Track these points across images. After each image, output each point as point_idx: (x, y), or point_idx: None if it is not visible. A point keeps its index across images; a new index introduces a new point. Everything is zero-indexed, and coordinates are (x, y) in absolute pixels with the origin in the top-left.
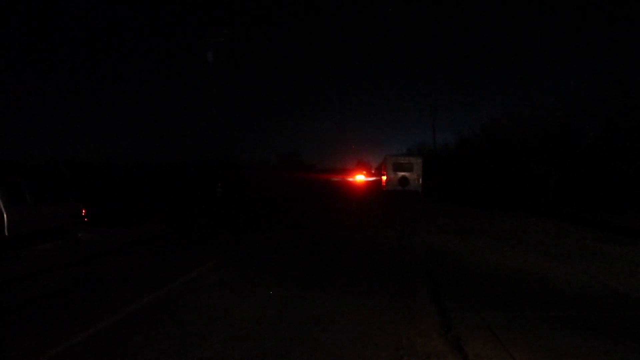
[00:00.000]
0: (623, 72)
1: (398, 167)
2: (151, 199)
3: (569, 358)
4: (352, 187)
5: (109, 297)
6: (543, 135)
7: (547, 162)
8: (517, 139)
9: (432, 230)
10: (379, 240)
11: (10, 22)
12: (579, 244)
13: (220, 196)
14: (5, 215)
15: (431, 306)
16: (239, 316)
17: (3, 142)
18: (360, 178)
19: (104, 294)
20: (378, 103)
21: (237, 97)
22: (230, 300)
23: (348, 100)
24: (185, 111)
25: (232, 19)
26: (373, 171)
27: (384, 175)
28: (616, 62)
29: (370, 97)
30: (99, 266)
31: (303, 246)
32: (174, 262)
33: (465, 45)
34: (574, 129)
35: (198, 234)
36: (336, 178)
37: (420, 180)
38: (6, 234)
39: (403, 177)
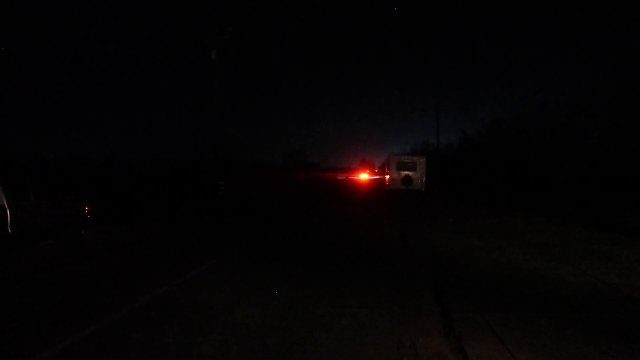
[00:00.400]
0: (627, 71)
1: (401, 166)
2: (154, 197)
3: (572, 359)
4: (356, 185)
5: (111, 295)
6: (547, 135)
7: (550, 162)
8: (520, 139)
9: (435, 229)
10: (381, 240)
11: (14, 19)
12: (582, 244)
13: (223, 194)
14: (8, 213)
15: (433, 306)
16: (241, 315)
17: (6, 139)
18: (364, 176)
19: (106, 292)
20: (382, 102)
21: (242, 97)
22: (231, 299)
23: (352, 100)
24: (190, 110)
25: (235, 18)
26: (376, 170)
27: (387, 174)
28: (621, 60)
29: (374, 96)
30: (101, 264)
31: (305, 245)
32: (176, 261)
33: (470, 45)
34: (577, 129)
35: (200, 233)
36: (340, 176)
37: (424, 179)
38: (9, 231)
39: (406, 176)
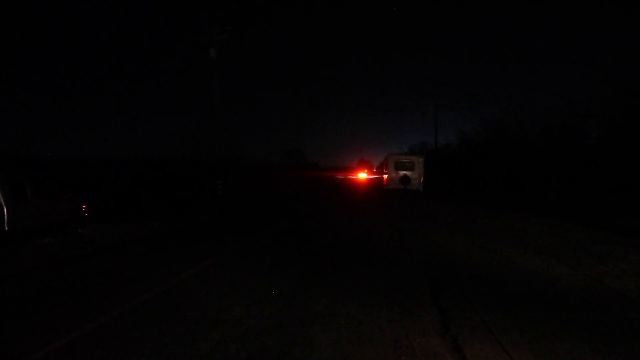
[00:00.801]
0: (626, 72)
1: (399, 166)
2: (152, 195)
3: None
4: (354, 185)
5: (108, 293)
6: (545, 135)
7: (549, 162)
8: (519, 139)
9: (433, 229)
10: (379, 239)
11: (13, 18)
12: (580, 245)
13: (222, 194)
14: (5, 210)
15: (431, 306)
16: (239, 313)
17: (4, 137)
18: (362, 176)
19: (104, 290)
20: (381, 102)
21: (242, 96)
22: (229, 298)
23: (351, 100)
24: (189, 109)
25: (235, 18)
26: (374, 169)
27: (385, 173)
28: (620, 62)
29: (373, 96)
30: (98, 262)
31: (304, 244)
32: (174, 259)
33: (469, 45)
34: (576, 130)
35: (198, 231)
36: (339, 176)
37: (422, 179)
38: (6, 228)
39: (404, 176)
